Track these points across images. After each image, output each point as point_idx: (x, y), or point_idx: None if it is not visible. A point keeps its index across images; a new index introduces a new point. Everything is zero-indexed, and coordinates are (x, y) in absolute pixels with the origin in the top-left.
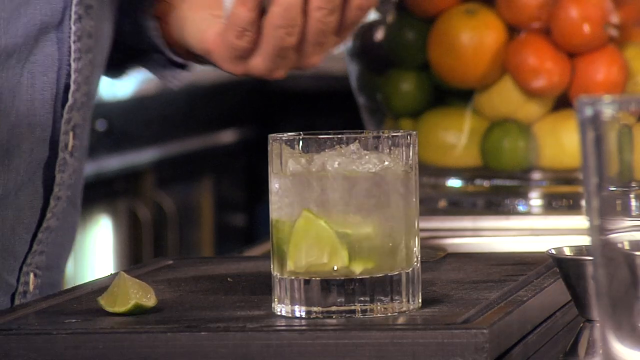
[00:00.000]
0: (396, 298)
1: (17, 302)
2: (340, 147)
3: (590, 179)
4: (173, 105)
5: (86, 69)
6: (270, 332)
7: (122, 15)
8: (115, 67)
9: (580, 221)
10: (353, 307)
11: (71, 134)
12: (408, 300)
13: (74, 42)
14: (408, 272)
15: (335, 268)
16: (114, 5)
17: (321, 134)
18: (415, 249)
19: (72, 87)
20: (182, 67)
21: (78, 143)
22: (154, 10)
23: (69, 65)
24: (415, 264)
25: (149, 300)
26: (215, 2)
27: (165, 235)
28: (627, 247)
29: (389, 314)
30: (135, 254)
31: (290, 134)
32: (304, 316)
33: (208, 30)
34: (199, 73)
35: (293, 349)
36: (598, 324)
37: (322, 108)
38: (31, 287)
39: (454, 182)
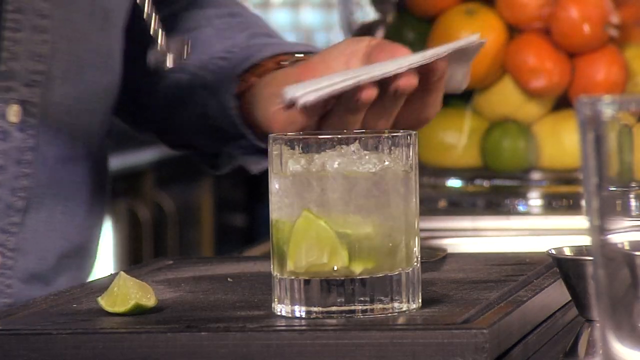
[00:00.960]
0: (396, 298)
1: None
2: (340, 147)
3: (590, 179)
4: None
5: (38, 47)
6: (270, 332)
7: (209, 95)
8: (211, 157)
9: (580, 221)
10: (353, 307)
11: (16, 107)
12: (408, 300)
13: (7, 11)
14: (408, 272)
15: (335, 268)
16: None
17: (321, 134)
18: (415, 249)
19: (4, 54)
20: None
21: (36, 122)
22: (236, 88)
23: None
24: (415, 264)
25: (149, 300)
26: (286, 79)
27: (165, 235)
28: (627, 247)
29: (389, 314)
30: (135, 254)
31: (290, 134)
32: (304, 316)
33: (270, 108)
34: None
35: (293, 349)
36: (598, 324)
37: None
38: None
39: (454, 182)
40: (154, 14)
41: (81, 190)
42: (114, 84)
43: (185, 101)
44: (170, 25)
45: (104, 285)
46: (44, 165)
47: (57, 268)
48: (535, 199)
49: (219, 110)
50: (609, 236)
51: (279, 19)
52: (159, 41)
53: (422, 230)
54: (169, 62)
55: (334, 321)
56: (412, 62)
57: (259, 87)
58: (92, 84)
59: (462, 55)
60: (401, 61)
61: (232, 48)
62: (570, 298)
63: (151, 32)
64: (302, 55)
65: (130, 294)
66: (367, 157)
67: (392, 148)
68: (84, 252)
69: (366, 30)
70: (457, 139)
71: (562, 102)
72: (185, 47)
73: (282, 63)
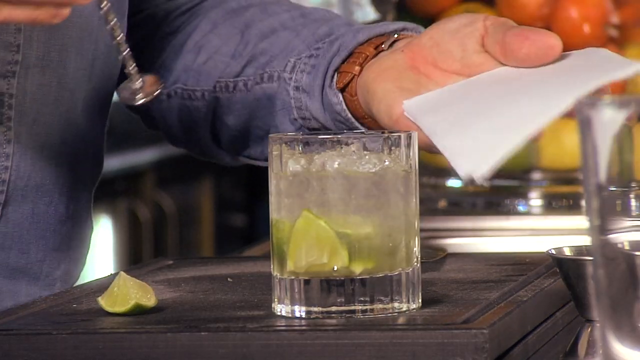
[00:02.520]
0: (396, 298)
1: None
2: (340, 147)
3: (590, 179)
4: None
5: (12, 36)
6: (270, 332)
7: (307, 96)
8: None
9: (580, 221)
10: (353, 307)
11: None
12: (408, 300)
13: None
14: (408, 272)
15: (335, 268)
16: None
17: (321, 134)
18: (415, 249)
19: None
20: None
21: (17, 117)
22: (336, 84)
23: None
24: (415, 264)
25: (149, 300)
26: (399, 73)
27: (165, 235)
28: (627, 247)
29: (389, 314)
30: (135, 254)
31: (290, 134)
32: (304, 316)
33: (391, 107)
34: None
35: (293, 349)
36: (598, 324)
37: None
38: None
39: (454, 182)
40: (124, 46)
41: (65, 179)
42: (96, 66)
43: (270, 109)
44: (246, 36)
45: (104, 285)
46: (23, 156)
47: (45, 261)
48: (535, 199)
49: (317, 109)
50: (609, 236)
51: None
52: (131, 75)
53: (422, 230)
54: (139, 99)
55: (334, 321)
56: (582, 88)
57: (367, 78)
58: (71, 70)
59: None
60: (562, 83)
61: (317, 44)
62: (570, 298)
63: (125, 69)
64: (399, 34)
65: (130, 294)
66: (367, 157)
67: (392, 148)
68: (74, 244)
69: None
70: None
71: None
72: (158, 83)
73: (381, 46)
